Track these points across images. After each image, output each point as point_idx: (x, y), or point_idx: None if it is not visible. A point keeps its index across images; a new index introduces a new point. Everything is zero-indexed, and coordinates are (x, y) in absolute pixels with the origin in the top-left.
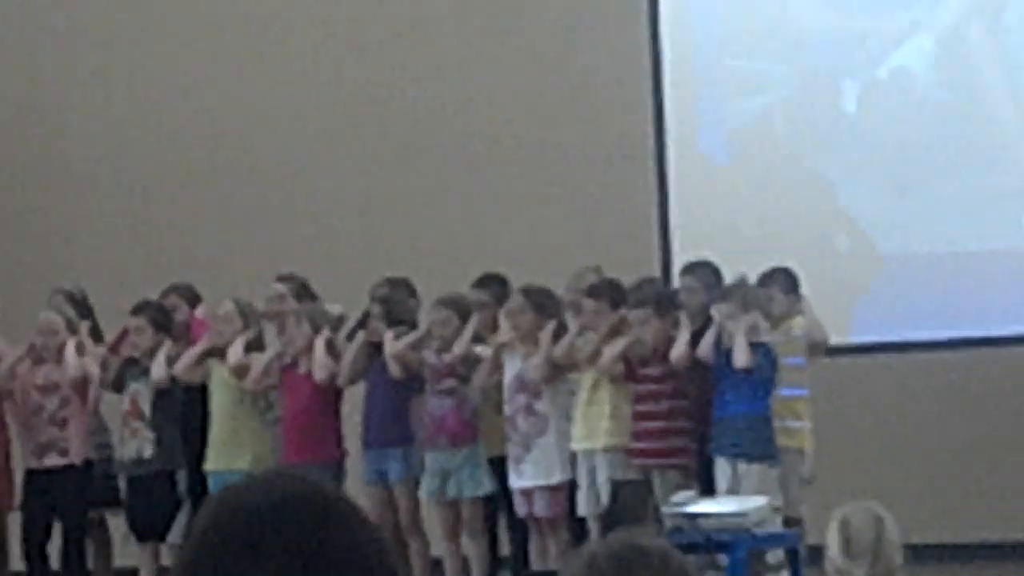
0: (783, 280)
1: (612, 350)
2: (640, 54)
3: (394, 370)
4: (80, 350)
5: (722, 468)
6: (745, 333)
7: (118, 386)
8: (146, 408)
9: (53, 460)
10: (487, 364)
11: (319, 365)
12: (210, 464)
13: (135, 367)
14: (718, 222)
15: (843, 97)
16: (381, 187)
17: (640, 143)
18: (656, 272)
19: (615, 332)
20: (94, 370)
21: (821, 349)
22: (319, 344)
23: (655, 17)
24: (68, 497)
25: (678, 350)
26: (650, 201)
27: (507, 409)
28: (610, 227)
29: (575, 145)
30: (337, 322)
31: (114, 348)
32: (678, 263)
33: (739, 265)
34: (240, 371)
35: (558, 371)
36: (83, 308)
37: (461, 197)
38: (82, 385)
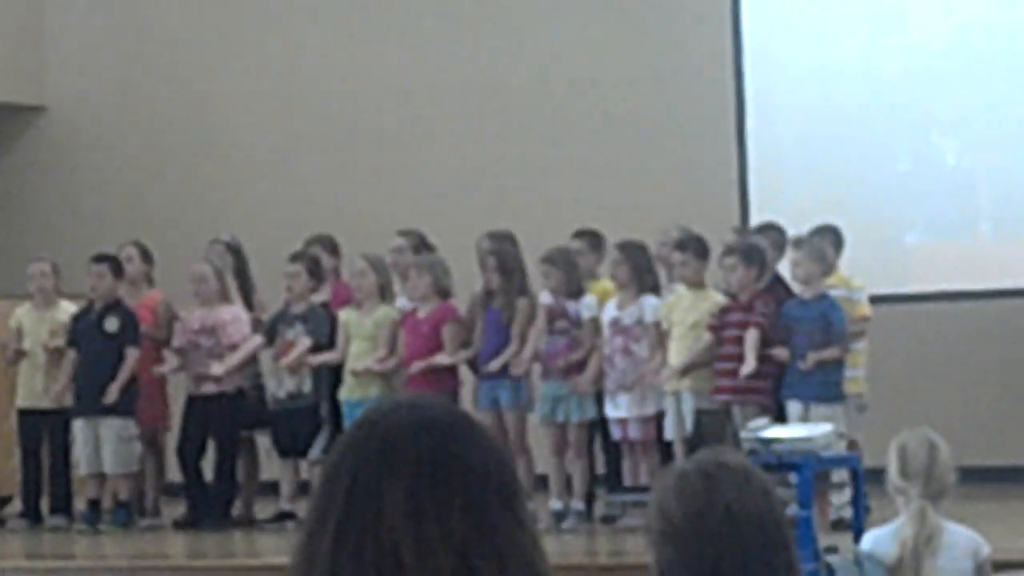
0: (832, 236)
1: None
2: (722, 28)
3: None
4: (228, 297)
5: (794, 408)
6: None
7: (270, 336)
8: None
9: (210, 388)
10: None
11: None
12: (345, 393)
13: (289, 317)
14: (790, 181)
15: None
16: (489, 149)
17: (722, 119)
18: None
19: (699, 283)
20: (247, 321)
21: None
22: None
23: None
24: (222, 419)
25: (748, 366)
26: (731, 167)
27: (606, 349)
28: (694, 189)
29: (665, 116)
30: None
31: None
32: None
33: (809, 222)
34: None
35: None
36: (238, 257)
37: (563, 161)
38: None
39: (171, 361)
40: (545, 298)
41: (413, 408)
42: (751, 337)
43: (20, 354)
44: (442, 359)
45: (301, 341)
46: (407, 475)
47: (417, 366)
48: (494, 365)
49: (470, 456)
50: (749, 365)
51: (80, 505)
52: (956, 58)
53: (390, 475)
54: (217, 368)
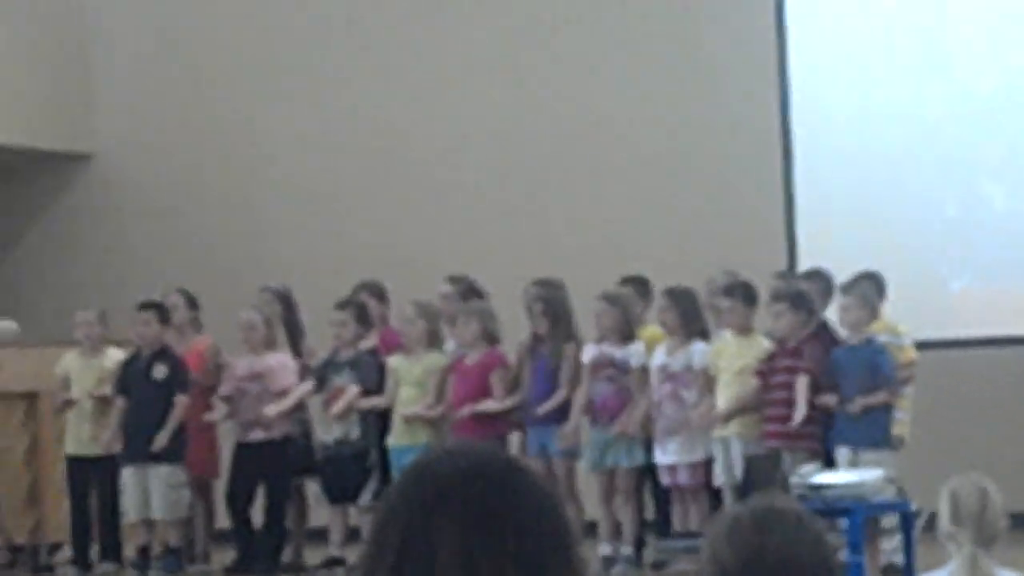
0: (873, 283)
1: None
2: (768, 74)
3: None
4: (273, 346)
5: (843, 454)
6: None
7: (319, 383)
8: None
9: (258, 435)
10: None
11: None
12: (394, 440)
13: (338, 364)
14: (838, 227)
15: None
16: (536, 196)
17: (769, 164)
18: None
19: (746, 329)
20: (293, 368)
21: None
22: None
23: (783, 47)
24: (272, 466)
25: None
26: (778, 213)
27: (654, 395)
28: (741, 234)
29: (711, 161)
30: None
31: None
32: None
33: (857, 267)
34: None
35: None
36: (288, 304)
37: (609, 207)
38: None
39: (220, 409)
40: (589, 351)
41: (464, 456)
42: (801, 384)
43: (68, 403)
44: (490, 405)
45: (350, 388)
46: (459, 524)
47: (465, 411)
48: (542, 410)
49: (522, 504)
50: (800, 413)
51: (130, 552)
52: (1003, 102)
53: (442, 524)
54: (271, 409)
